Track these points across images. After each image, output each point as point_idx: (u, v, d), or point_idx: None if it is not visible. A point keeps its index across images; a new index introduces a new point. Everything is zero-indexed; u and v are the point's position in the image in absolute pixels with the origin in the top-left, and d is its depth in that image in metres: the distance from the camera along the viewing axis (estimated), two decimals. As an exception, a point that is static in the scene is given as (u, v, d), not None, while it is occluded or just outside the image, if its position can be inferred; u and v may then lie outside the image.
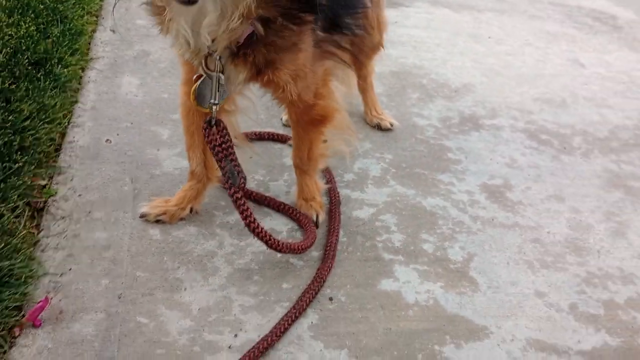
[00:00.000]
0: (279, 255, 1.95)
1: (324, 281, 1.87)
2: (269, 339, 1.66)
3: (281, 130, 2.55)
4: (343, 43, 2.07)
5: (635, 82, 3.33)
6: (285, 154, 2.43)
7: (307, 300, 1.79)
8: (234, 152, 1.84)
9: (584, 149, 2.71)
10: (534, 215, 2.28)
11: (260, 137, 2.50)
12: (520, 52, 3.52)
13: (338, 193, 2.24)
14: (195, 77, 1.78)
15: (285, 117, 2.61)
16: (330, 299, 1.84)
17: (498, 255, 2.08)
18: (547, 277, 2.01)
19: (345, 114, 2.14)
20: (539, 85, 3.18)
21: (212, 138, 1.81)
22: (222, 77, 1.76)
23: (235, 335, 1.69)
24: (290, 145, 2.46)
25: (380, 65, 3.16)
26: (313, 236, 1.99)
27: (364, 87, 2.65)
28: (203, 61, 1.73)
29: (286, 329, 1.71)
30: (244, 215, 1.82)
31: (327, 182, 2.26)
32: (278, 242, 1.86)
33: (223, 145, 1.82)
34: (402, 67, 3.19)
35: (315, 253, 1.98)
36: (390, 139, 2.61)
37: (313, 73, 1.93)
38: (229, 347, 1.65)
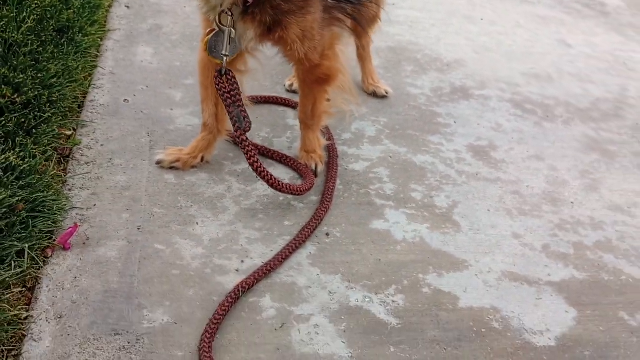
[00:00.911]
0: (281, 198, 2.17)
1: (321, 219, 2.08)
2: (272, 264, 1.87)
3: (284, 96, 2.76)
4: (349, 10, 2.28)
5: (618, 61, 3.53)
6: (288, 116, 2.64)
7: (306, 234, 2.00)
8: (241, 99, 2.06)
9: (565, 118, 2.92)
10: (515, 171, 2.49)
11: (266, 100, 2.71)
12: (511, 32, 3.73)
13: (336, 149, 2.45)
14: (208, 30, 2.00)
15: (288, 82, 2.82)
16: (327, 234, 2.05)
17: (480, 204, 2.29)
18: (524, 223, 2.22)
19: (348, 76, 2.35)
20: (528, 62, 3.39)
21: (222, 86, 2.03)
22: (234, 31, 1.98)
23: (242, 261, 1.90)
24: (292, 108, 2.68)
25: (378, 42, 3.37)
26: (311, 181, 2.20)
27: (363, 56, 2.87)
28: (217, 16, 1.95)
29: (287, 257, 1.92)
30: (249, 155, 2.03)
31: (326, 140, 2.47)
32: (279, 182, 2.07)
33: (232, 93, 2.04)
34: (399, 43, 3.39)
35: (314, 197, 2.20)
36: (386, 105, 2.82)
37: (321, 36, 2.14)
38: (237, 270, 1.87)
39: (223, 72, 2.03)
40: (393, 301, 1.84)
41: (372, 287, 1.87)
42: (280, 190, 2.09)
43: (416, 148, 2.54)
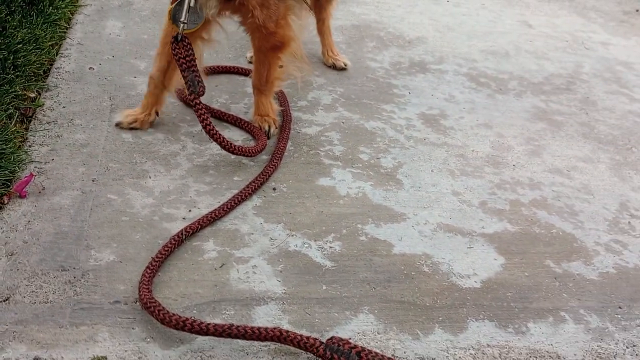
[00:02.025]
0: (232, 156, 2.28)
1: (269, 175, 2.19)
2: (217, 212, 1.98)
3: (245, 66, 2.87)
4: None
5: (577, 41, 3.65)
6: (247, 84, 2.75)
7: (253, 188, 2.11)
8: (196, 64, 2.17)
9: (517, 91, 3.04)
10: (463, 137, 2.60)
11: (227, 70, 2.82)
12: (475, 14, 3.84)
13: (290, 114, 2.56)
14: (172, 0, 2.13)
15: (249, 54, 2.93)
16: (274, 189, 2.17)
17: (424, 165, 2.40)
18: (465, 182, 2.34)
19: (300, 44, 2.47)
20: (487, 40, 3.50)
21: (178, 51, 2.14)
22: (193, 0, 2.10)
23: (190, 211, 2.01)
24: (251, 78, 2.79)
25: (343, 20, 3.49)
26: (264, 143, 2.32)
27: (322, 30, 2.98)
28: None
29: (233, 207, 2.04)
30: (201, 118, 2.15)
31: (281, 105, 2.58)
32: (231, 144, 2.18)
33: (187, 58, 2.15)
34: (363, 22, 3.51)
35: (265, 156, 2.31)
36: (344, 77, 2.93)
37: (276, 6, 2.26)
38: (183, 218, 1.98)
39: (179, 38, 2.14)
40: (330, 247, 1.95)
41: (311, 235, 1.98)
42: (232, 152, 2.20)
43: (369, 115, 2.66)
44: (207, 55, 2.92)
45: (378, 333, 1.68)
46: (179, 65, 2.16)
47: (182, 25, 2.15)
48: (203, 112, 2.15)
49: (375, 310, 1.74)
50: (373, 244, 1.99)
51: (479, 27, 3.66)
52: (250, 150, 2.23)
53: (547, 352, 1.68)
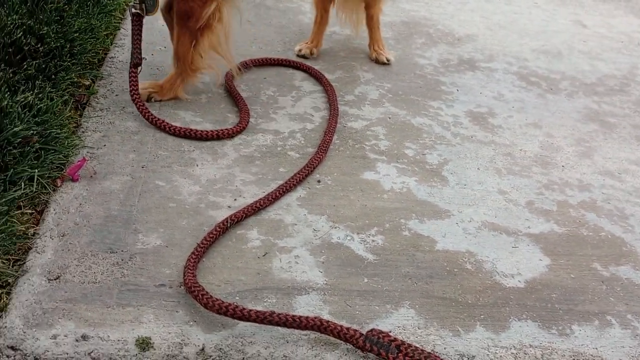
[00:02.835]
0: (278, 148, 2.30)
1: (314, 167, 2.20)
2: (262, 202, 2.01)
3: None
4: None
5: (633, 42, 3.55)
6: (295, 77, 2.77)
7: (298, 179, 2.13)
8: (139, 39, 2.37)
9: (569, 91, 2.97)
10: (511, 136, 2.57)
11: (275, 63, 2.84)
12: (527, 12, 3.78)
13: (337, 108, 2.56)
14: None
15: (297, 47, 2.95)
16: (318, 181, 2.18)
17: (471, 162, 2.38)
18: (512, 181, 2.30)
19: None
20: (540, 39, 3.44)
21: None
22: None
23: (235, 200, 2.04)
24: (300, 70, 2.81)
25: (392, 16, 3.48)
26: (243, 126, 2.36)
27: (370, 24, 2.97)
28: None
29: (277, 198, 2.05)
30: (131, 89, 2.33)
31: (328, 99, 2.59)
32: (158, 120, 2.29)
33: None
34: (412, 18, 3.49)
35: (310, 149, 2.32)
36: (392, 73, 2.92)
37: None
38: (229, 206, 2.01)
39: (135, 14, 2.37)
40: (373, 240, 1.95)
41: (354, 228, 1.99)
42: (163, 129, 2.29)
43: (415, 111, 2.64)
44: (256, 49, 2.97)
45: (418, 328, 1.67)
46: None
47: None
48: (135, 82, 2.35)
49: (417, 305, 1.74)
50: (416, 239, 1.98)
51: (531, 26, 3.60)
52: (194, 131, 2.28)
53: (592, 355, 1.65)
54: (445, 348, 1.62)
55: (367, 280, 1.80)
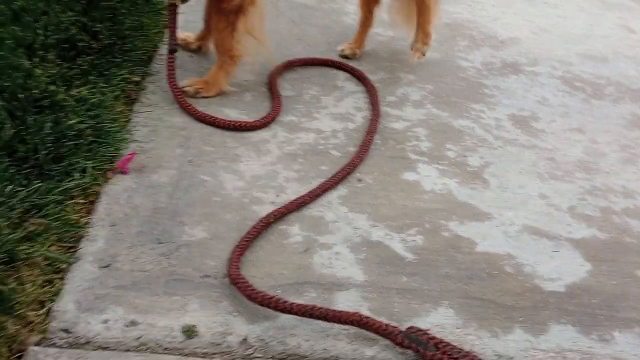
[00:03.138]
0: (320, 146, 2.34)
1: (355, 166, 2.23)
2: (304, 199, 2.05)
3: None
4: None
5: (682, 48, 3.49)
6: (338, 78, 2.80)
7: (339, 178, 2.16)
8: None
9: (615, 97, 2.94)
10: (554, 141, 2.55)
11: (319, 63, 2.88)
12: (572, 16, 3.74)
13: (379, 109, 2.58)
14: None
15: (340, 48, 2.98)
16: (359, 180, 2.21)
17: (512, 166, 2.38)
18: (554, 186, 2.29)
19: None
20: (585, 44, 3.40)
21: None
22: None
23: (278, 195, 2.08)
24: (344, 71, 2.84)
25: (435, 18, 3.48)
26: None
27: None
28: None
29: (319, 195, 2.09)
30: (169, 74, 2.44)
31: (370, 100, 2.62)
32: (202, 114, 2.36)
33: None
34: (455, 20, 3.49)
35: (352, 148, 2.35)
36: (434, 74, 2.93)
37: None
38: (272, 202, 2.05)
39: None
40: (412, 240, 1.97)
41: (394, 227, 2.01)
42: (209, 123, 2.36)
43: (457, 113, 2.65)
44: (300, 48, 3.01)
45: (457, 327, 1.69)
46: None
47: None
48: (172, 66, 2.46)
49: (455, 305, 1.75)
50: (456, 240, 1.99)
51: (576, 30, 3.56)
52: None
53: (632, 362, 1.64)
54: (483, 348, 1.64)
55: (407, 279, 1.82)
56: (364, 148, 2.32)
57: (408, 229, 2.01)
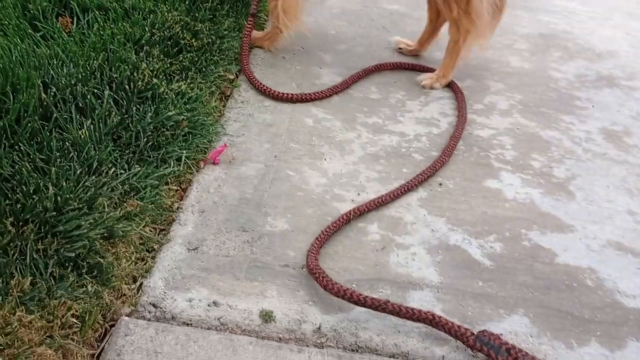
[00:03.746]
0: (403, 149, 2.37)
1: (436, 170, 2.25)
2: (384, 198, 2.09)
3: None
4: None
5: None
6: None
7: (420, 180, 2.19)
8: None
9: None
10: (647, 157, 2.47)
11: (406, 67, 2.92)
12: (677, 30, 3.58)
13: (466, 115, 2.59)
14: None
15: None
16: (440, 184, 2.22)
17: (600, 180, 2.32)
18: (643, 202, 2.22)
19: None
20: (688, 59, 3.26)
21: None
22: None
23: (358, 194, 2.14)
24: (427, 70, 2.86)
25: (529, 27, 3.44)
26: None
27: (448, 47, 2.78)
28: None
29: (399, 196, 2.13)
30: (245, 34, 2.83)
31: (458, 106, 2.63)
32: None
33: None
34: (551, 31, 3.42)
35: (435, 153, 2.37)
36: (524, 84, 2.90)
37: None
38: (352, 200, 2.11)
39: None
40: (491, 247, 1.97)
41: (473, 233, 2.02)
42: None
43: (545, 124, 2.61)
44: (387, 53, 3.05)
45: (531, 336, 1.68)
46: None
47: None
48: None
49: (531, 314, 1.74)
50: (536, 250, 1.97)
51: (680, 45, 3.41)
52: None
53: None
54: (556, 358, 1.62)
55: (482, 284, 1.83)
56: (447, 153, 2.33)
57: (487, 235, 2.01)
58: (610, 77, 3.03)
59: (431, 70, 2.88)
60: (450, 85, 2.79)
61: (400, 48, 3.06)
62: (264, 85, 2.61)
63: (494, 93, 2.81)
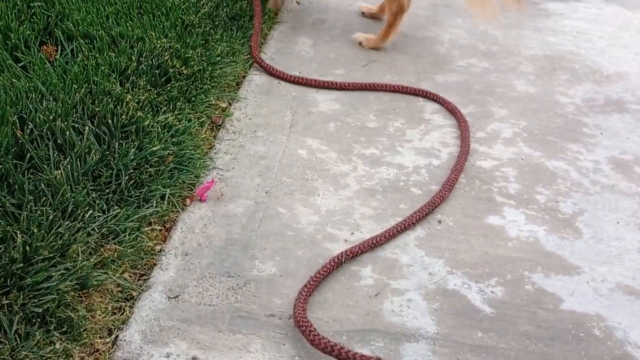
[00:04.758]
0: (401, 183, 2.26)
1: (435, 206, 2.14)
2: (379, 239, 1.98)
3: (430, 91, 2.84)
4: None
5: None
6: (425, 110, 2.71)
7: (418, 218, 2.07)
8: None
9: None
10: (659, 189, 2.34)
11: (407, 92, 2.81)
12: (690, 50, 3.45)
13: (468, 145, 2.47)
14: None
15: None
16: (439, 221, 2.11)
17: (609, 215, 2.19)
18: (656, 240, 2.10)
19: None
20: (702, 81, 3.13)
21: None
22: None
23: (352, 233, 2.03)
24: (432, 101, 2.75)
25: (535, 49, 3.33)
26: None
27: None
28: None
29: (394, 235, 2.01)
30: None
31: (461, 134, 2.51)
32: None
33: None
34: (557, 52, 3.30)
35: (434, 187, 2.26)
36: (529, 110, 2.78)
37: None
38: (345, 240, 2.00)
39: None
40: (492, 291, 1.85)
41: (473, 276, 1.90)
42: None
43: (551, 153, 2.49)
44: (389, 77, 2.95)
45: (533, 394, 1.56)
46: None
47: None
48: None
49: (533, 369, 1.62)
50: (539, 295, 1.85)
51: (693, 65, 3.28)
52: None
53: None
54: (561, 421, 1.50)
55: (482, 335, 1.71)
56: (447, 187, 2.22)
57: (488, 278, 1.89)
58: (619, 102, 2.90)
59: (438, 98, 2.76)
60: (454, 113, 2.67)
61: (363, 12, 3.50)
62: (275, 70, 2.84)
63: (497, 120, 2.69)
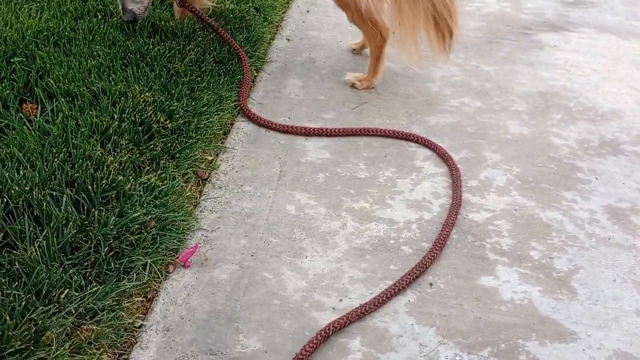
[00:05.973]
0: (392, 240, 2.20)
1: (426, 267, 2.08)
2: (368, 307, 1.92)
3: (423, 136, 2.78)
4: None
5: None
6: (417, 157, 2.66)
7: (408, 281, 2.01)
8: None
9: None
10: (656, 241, 2.28)
11: (398, 136, 2.75)
12: (686, 82, 3.39)
13: (460, 197, 2.41)
14: None
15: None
16: (431, 284, 2.05)
17: (606, 272, 2.13)
18: (654, 299, 2.03)
19: None
20: (699, 117, 3.07)
21: None
22: None
23: (341, 300, 1.97)
24: (424, 147, 2.69)
25: (528, 85, 3.27)
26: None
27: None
28: None
29: (384, 302, 1.95)
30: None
31: (453, 185, 2.45)
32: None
33: None
34: (551, 88, 3.25)
35: (425, 244, 2.20)
36: (522, 154, 2.72)
37: None
38: (333, 308, 1.94)
39: None
40: (484, 364, 1.79)
41: (465, 346, 1.84)
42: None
43: (546, 203, 2.43)
44: (379, 120, 2.90)
45: None
46: None
47: None
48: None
49: None
50: (534, 367, 1.79)
51: (689, 100, 3.22)
52: None
53: None
54: None
55: (474, 415, 1.65)
56: (438, 245, 2.16)
57: (481, 349, 1.83)
58: (614, 143, 2.84)
59: (430, 143, 2.70)
60: (446, 160, 2.62)
61: (354, 49, 3.47)
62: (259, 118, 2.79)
63: (490, 166, 2.64)
